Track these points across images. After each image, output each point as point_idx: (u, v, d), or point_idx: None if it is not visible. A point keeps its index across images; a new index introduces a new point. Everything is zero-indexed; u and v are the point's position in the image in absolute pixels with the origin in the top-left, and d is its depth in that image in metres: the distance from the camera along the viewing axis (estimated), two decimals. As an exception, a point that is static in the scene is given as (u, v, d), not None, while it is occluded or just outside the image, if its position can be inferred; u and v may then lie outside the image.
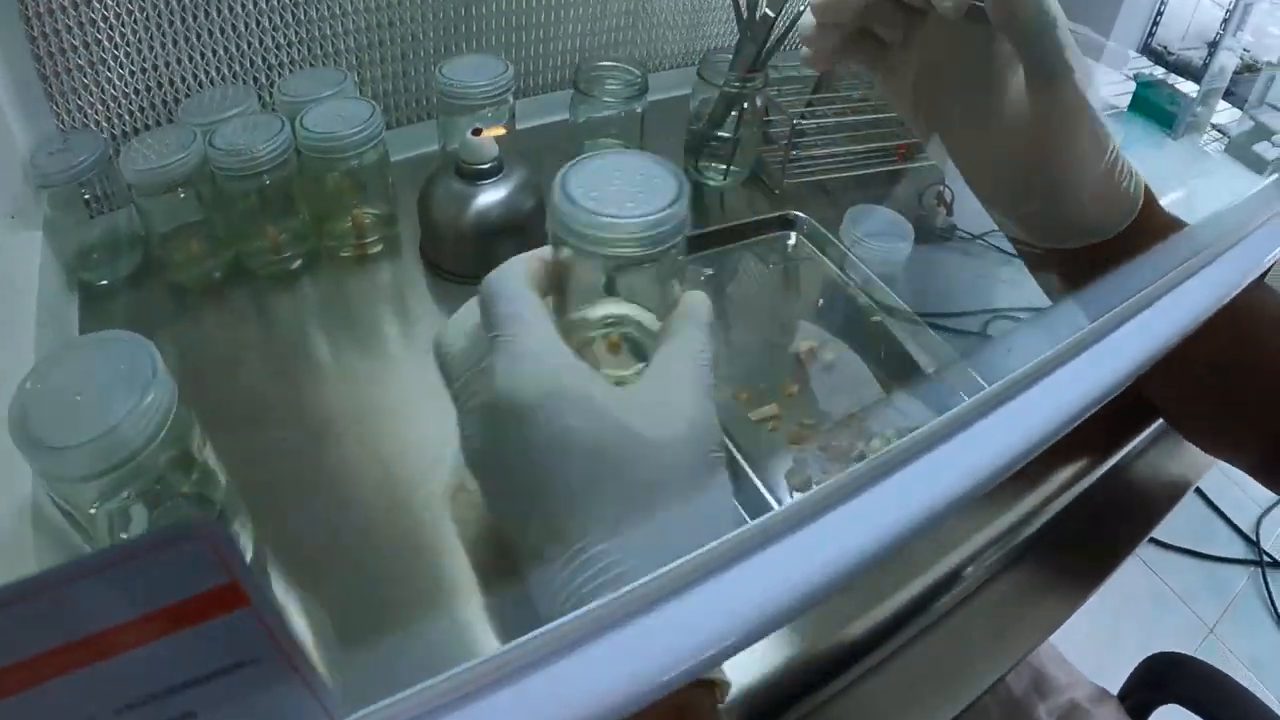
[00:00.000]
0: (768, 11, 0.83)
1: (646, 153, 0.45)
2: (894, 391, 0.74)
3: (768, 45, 0.85)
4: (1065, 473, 0.70)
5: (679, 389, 0.40)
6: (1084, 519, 0.72)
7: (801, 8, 0.82)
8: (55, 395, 0.48)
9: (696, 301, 0.45)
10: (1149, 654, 1.04)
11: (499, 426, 0.39)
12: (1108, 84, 1.25)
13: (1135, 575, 1.94)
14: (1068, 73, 0.52)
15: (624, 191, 0.41)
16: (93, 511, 0.49)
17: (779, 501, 0.62)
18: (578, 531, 0.36)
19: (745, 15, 0.85)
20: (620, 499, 0.37)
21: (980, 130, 0.58)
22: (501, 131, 0.74)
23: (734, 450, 0.65)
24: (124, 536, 0.52)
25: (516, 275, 0.42)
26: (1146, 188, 0.60)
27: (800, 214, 0.88)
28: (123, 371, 0.49)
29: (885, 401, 0.73)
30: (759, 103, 0.89)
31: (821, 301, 0.83)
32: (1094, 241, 0.59)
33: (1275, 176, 0.53)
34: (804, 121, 0.93)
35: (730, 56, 0.88)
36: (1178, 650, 1.02)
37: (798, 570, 0.28)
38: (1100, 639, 1.74)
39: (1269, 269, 0.43)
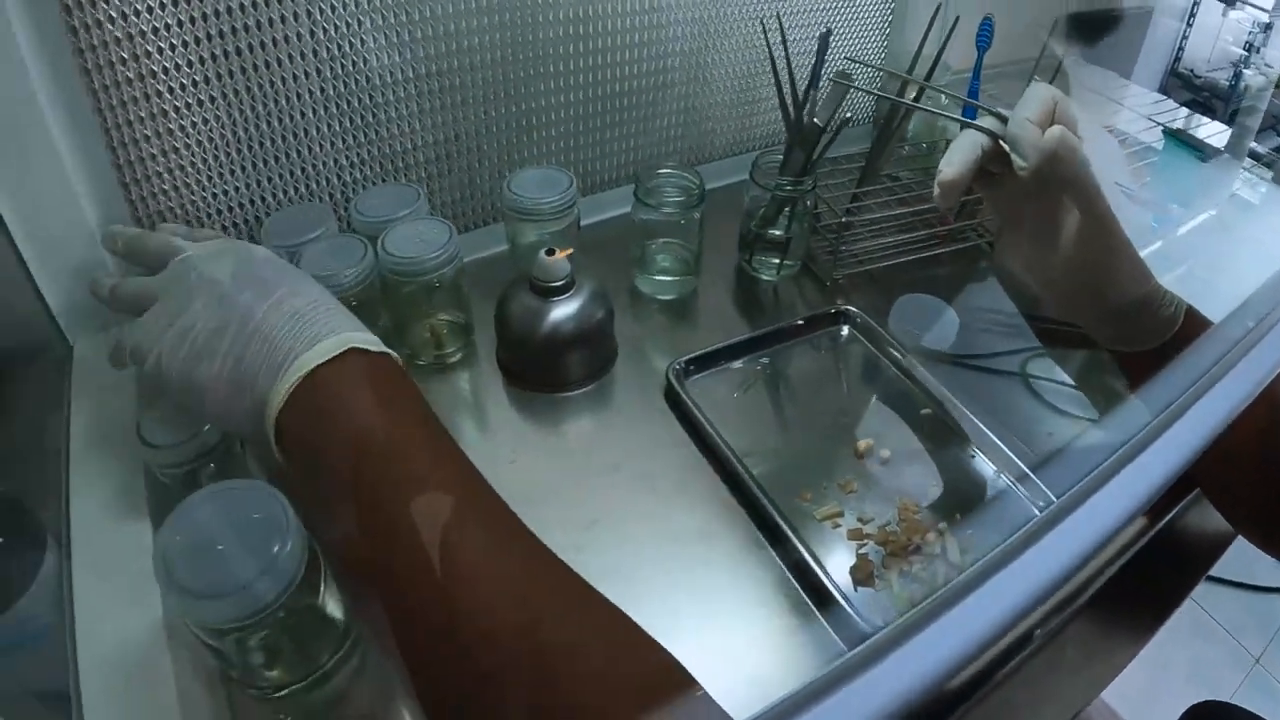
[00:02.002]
0: (816, 122, 0.87)
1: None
2: (947, 483, 0.77)
3: (816, 152, 0.89)
4: (1122, 538, 0.73)
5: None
6: (1135, 574, 0.74)
7: (848, 114, 0.86)
8: (197, 544, 0.52)
9: None
10: (1195, 691, 1.06)
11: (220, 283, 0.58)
12: (1137, 127, 1.28)
13: (1180, 608, 1.92)
14: (1105, 214, 0.67)
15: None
16: (227, 639, 0.53)
17: (845, 597, 0.66)
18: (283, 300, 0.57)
19: (794, 124, 0.89)
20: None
21: (1049, 251, 0.70)
22: (570, 251, 0.78)
23: (801, 550, 0.68)
24: (255, 661, 0.56)
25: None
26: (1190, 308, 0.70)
27: (852, 308, 0.92)
28: (257, 521, 0.53)
29: (939, 494, 0.76)
30: (809, 202, 0.92)
31: (875, 396, 0.86)
32: (1140, 349, 0.71)
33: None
34: (852, 217, 0.96)
35: (780, 157, 0.92)
36: (1225, 684, 1.04)
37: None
38: (1146, 675, 1.74)
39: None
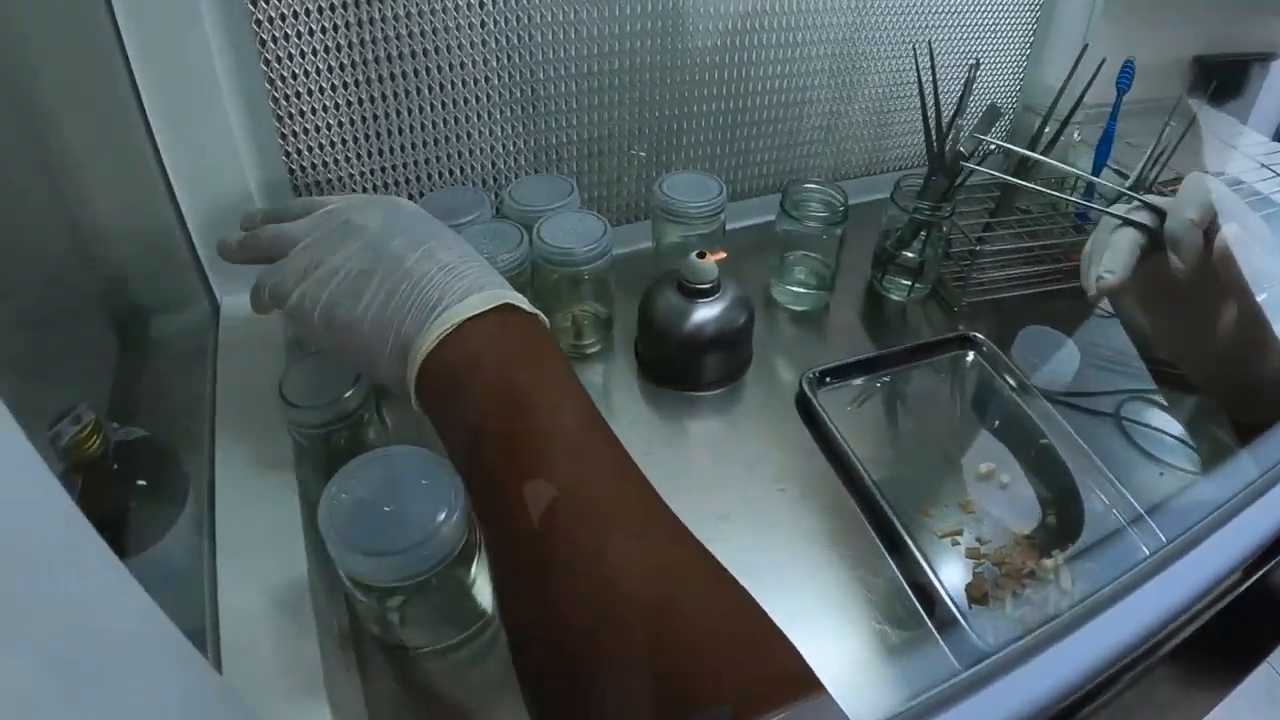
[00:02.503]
0: (961, 150, 0.87)
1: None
2: (1061, 513, 0.77)
3: (958, 181, 0.89)
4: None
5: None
6: (1227, 621, 0.73)
7: (991, 148, 0.86)
8: (364, 506, 0.54)
9: None
10: None
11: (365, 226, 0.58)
12: (1254, 176, 1.25)
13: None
14: (1251, 305, 0.65)
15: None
16: (371, 596, 0.55)
17: (961, 612, 0.67)
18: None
19: (937, 151, 0.89)
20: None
21: (1189, 331, 0.71)
22: (723, 255, 0.80)
23: (921, 561, 0.69)
24: (393, 620, 0.58)
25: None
26: None
27: (979, 335, 0.92)
28: (425, 488, 0.55)
29: (1054, 523, 0.77)
30: (945, 229, 0.93)
31: (996, 421, 0.87)
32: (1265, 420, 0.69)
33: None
34: (983, 246, 0.96)
35: (919, 181, 0.93)
36: None
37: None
38: None
39: None
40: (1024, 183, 0.84)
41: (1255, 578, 0.74)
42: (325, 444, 0.68)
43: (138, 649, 0.27)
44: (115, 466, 0.58)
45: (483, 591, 0.62)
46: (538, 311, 0.56)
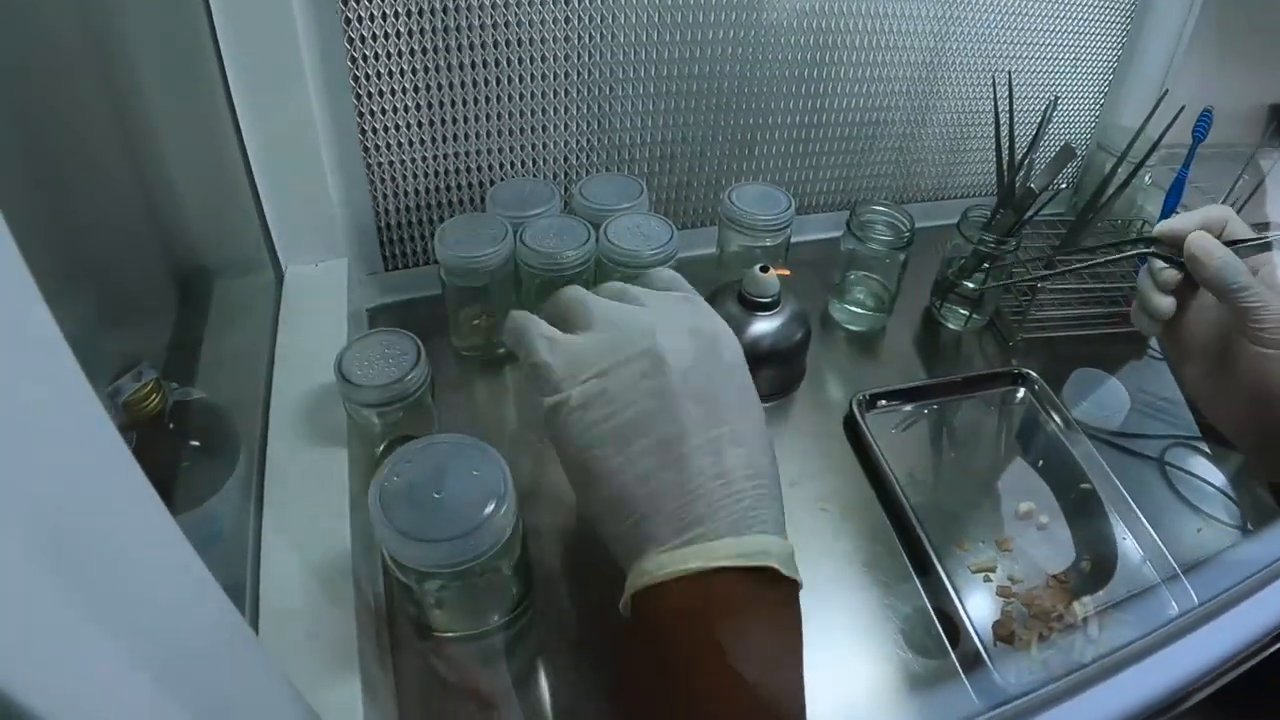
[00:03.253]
0: (1031, 187, 0.86)
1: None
2: (1095, 559, 0.77)
3: (1026, 215, 0.88)
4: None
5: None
6: (1262, 677, 0.71)
7: (1063, 185, 0.85)
8: (414, 490, 0.54)
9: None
10: None
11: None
12: None
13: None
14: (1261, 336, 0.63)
15: None
16: (412, 578, 0.56)
17: (986, 649, 0.66)
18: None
19: (1008, 184, 0.89)
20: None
21: (1213, 372, 0.70)
22: (787, 273, 0.80)
23: (952, 594, 0.69)
24: (430, 603, 0.58)
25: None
26: None
27: (1032, 372, 0.92)
28: (476, 479, 0.55)
29: (1088, 568, 0.76)
30: (1008, 262, 0.92)
31: (1041, 462, 0.86)
32: None
33: None
34: (1044, 284, 0.96)
35: (986, 213, 0.92)
36: None
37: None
38: None
39: None
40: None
41: None
42: (379, 422, 0.68)
43: (179, 598, 0.28)
44: (171, 425, 0.59)
45: (522, 582, 0.62)
46: (797, 577, 0.47)
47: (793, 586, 0.47)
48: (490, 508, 0.53)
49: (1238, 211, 0.91)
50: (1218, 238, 0.66)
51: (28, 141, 0.60)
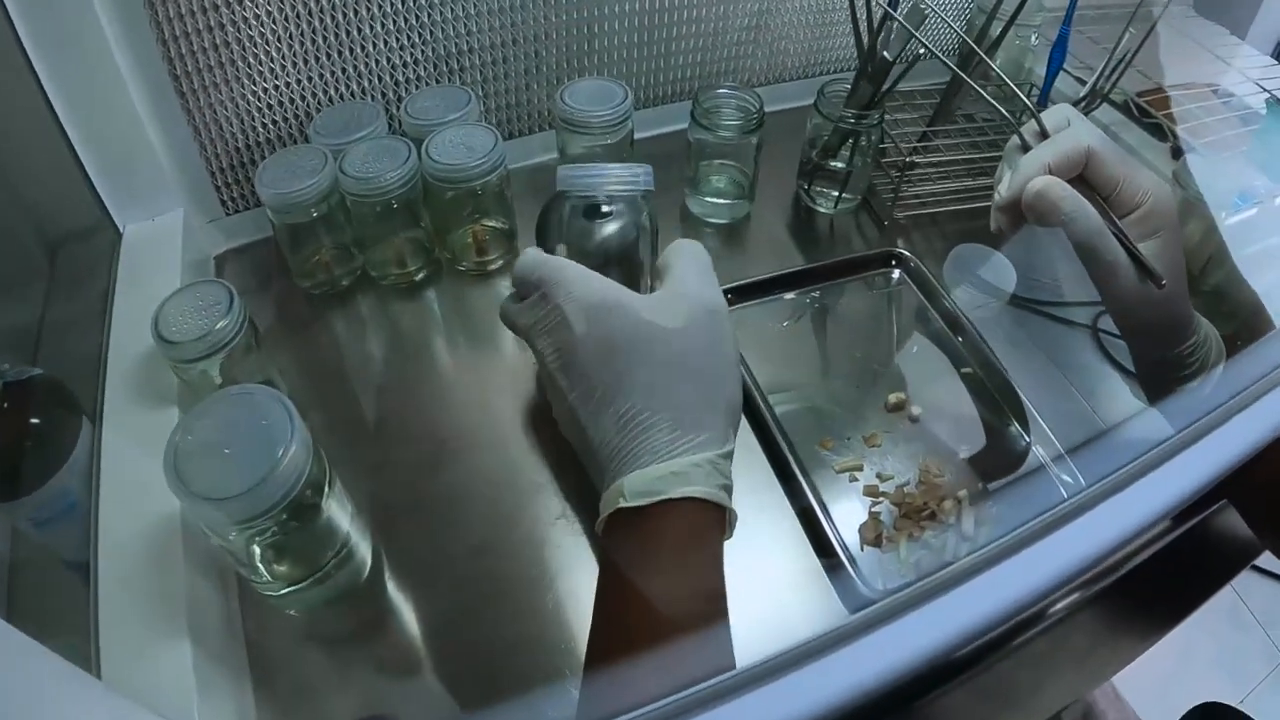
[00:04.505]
0: (886, 55, 0.82)
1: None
2: (975, 450, 0.74)
3: (884, 86, 0.85)
4: (1145, 535, 0.69)
5: (683, 294, 0.58)
6: (1155, 571, 0.71)
7: (920, 52, 0.81)
8: (206, 449, 0.53)
9: (681, 242, 0.63)
10: (1215, 678, 1.02)
11: (572, 339, 0.55)
12: (1244, 90, 1.20)
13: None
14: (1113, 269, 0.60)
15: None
16: (232, 536, 0.54)
17: (850, 555, 0.65)
18: (622, 398, 0.53)
19: (865, 54, 0.85)
20: (649, 372, 0.54)
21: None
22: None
23: (812, 500, 0.67)
24: (255, 552, 0.57)
25: (536, 254, 0.60)
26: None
27: (906, 251, 0.89)
28: (264, 427, 0.54)
29: (965, 460, 0.74)
30: (874, 137, 0.88)
31: (916, 348, 0.83)
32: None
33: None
34: (917, 157, 0.92)
35: (847, 87, 0.88)
36: (1249, 677, 1.01)
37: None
38: (1166, 657, 1.68)
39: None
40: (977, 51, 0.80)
41: (1186, 527, 0.72)
42: (205, 377, 0.66)
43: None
44: (6, 405, 0.58)
45: (341, 514, 0.61)
46: (714, 498, 0.53)
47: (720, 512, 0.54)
48: (279, 452, 0.52)
49: (1124, 69, 0.87)
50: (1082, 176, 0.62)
51: None
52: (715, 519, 0.53)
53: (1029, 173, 0.61)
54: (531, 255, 0.59)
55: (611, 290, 0.56)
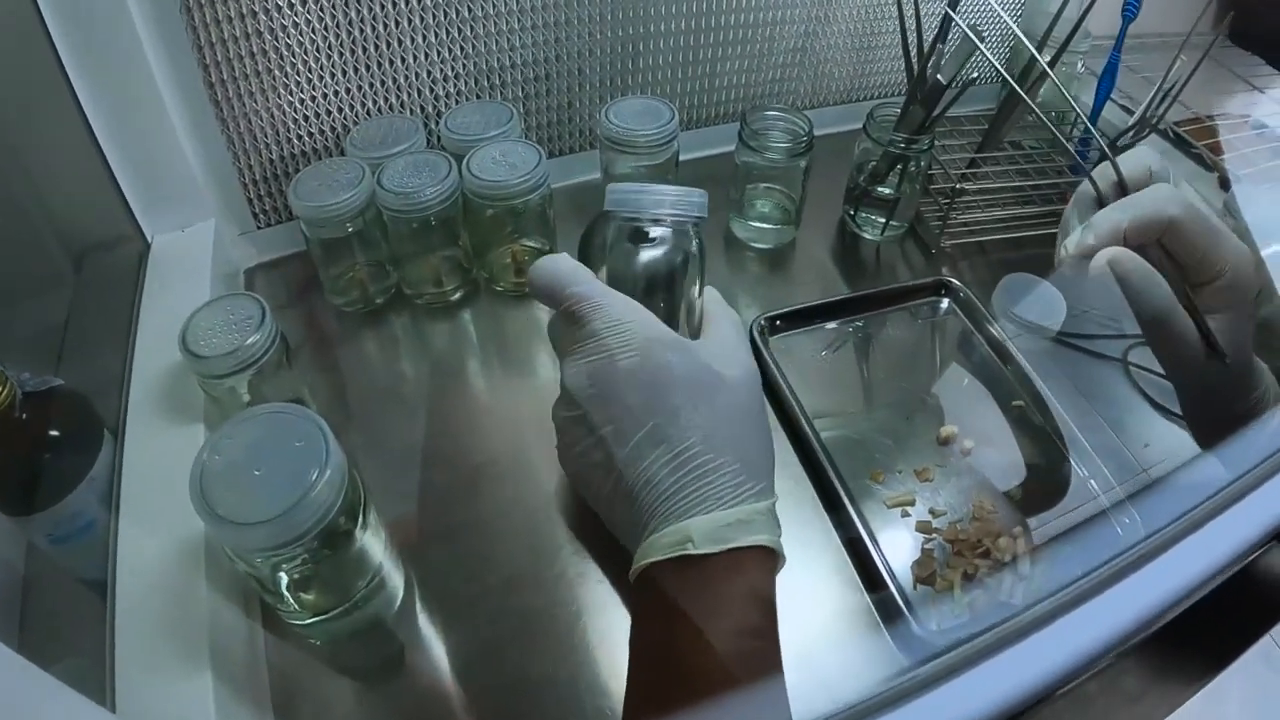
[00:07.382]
0: (939, 79, 0.80)
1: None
2: (1028, 485, 0.72)
3: (936, 111, 0.82)
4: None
5: (737, 346, 0.57)
6: (1214, 607, 0.69)
7: (973, 74, 0.79)
8: (234, 470, 0.50)
9: (718, 296, 0.62)
10: None
11: (614, 370, 0.52)
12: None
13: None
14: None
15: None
16: (259, 563, 0.51)
17: (903, 594, 0.62)
18: (678, 437, 0.50)
19: (916, 78, 0.82)
20: (710, 415, 0.51)
21: None
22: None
23: (862, 532, 0.65)
24: (283, 579, 0.54)
25: (570, 262, 0.57)
26: None
27: (955, 280, 0.86)
28: (297, 448, 0.51)
29: (1019, 496, 0.71)
30: (923, 163, 0.86)
31: (966, 379, 0.81)
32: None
33: None
34: (967, 183, 0.90)
35: (896, 111, 0.86)
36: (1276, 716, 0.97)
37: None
38: (1199, 699, 1.63)
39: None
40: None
41: (1236, 570, 0.69)
42: (233, 394, 0.64)
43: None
44: (24, 417, 0.56)
45: (375, 542, 0.58)
46: (777, 547, 0.51)
47: (771, 558, 0.51)
48: (313, 476, 0.49)
49: (1175, 97, 0.85)
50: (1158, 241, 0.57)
51: None
52: (772, 567, 0.52)
53: (1102, 235, 0.56)
54: (566, 265, 0.57)
55: (660, 326, 0.54)
